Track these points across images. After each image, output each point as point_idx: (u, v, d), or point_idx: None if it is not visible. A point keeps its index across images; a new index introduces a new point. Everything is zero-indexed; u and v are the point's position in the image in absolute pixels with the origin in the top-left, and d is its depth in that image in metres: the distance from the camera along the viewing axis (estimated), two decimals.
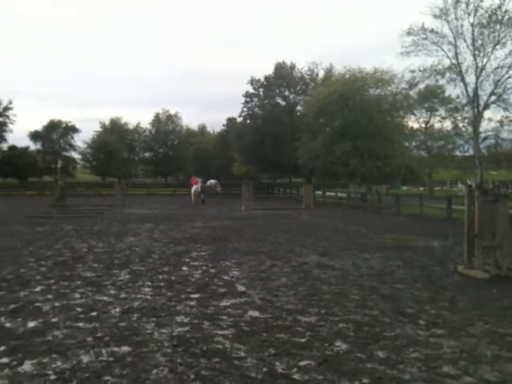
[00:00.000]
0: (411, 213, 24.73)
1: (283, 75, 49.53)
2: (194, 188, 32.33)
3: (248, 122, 52.14)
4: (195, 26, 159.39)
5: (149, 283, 7.96)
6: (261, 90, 50.92)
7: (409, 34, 35.79)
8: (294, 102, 50.36)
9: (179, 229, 16.56)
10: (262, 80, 50.56)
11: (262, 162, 49.48)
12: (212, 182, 42.71)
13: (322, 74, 48.17)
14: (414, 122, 47.78)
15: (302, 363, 4.48)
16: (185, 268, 9.36)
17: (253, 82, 50.88)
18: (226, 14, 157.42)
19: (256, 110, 51.77)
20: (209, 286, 7.73)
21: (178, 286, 7.77)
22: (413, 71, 37.43)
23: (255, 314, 6.16)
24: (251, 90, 51.21)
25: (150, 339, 5.12)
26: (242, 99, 51.55)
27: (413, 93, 42.32)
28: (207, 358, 4.58)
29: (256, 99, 51.42)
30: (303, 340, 5.14)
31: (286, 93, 50.65)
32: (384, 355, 4.72)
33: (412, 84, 39.58)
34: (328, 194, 39.01)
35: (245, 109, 51.96)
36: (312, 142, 37.45)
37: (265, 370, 4.33)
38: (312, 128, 39.24)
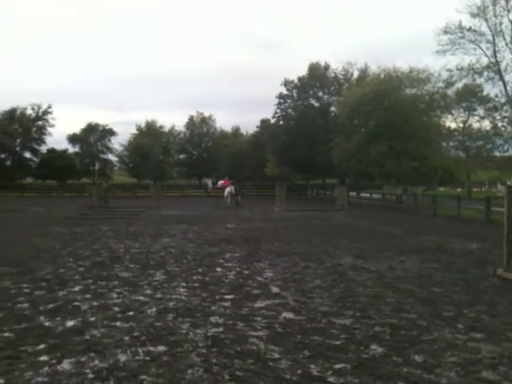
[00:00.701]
0: (449, 214, 24.16)
1: (317, 76, 49.31)
2: (227, 189, 32.17)
3: (281, 123, 52.16)
4: (229, 27, 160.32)
5: (184, 284, 8.04)
6: (294, 91, 50.87)
7: (445, 32, 34.94)
8: (327, 102, 50.08)
9: (213, 230, 16.68)
10: (296, 81, 50.50)
11: (295, 163, 49.39)
12: (222, 182, 43.10)
13: (356, 74, 47.81)
14: (451, 122, 46.65)
15: (336, 366, 4.44)
16: (219, 269, 9.42)
17: (286, 83, 50.89)
18: (259, 15, 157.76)
19: (289, 111, 51.75)
20: (243, 288, 7.75)
21: (213, 286, 7.82)
22: (450, 70, 36.54)
23: (289, 315, 6.14)
24: (285, 92, 51.25)
25: (185, 339, 5.18)
26: (276, 100, 51.62)
27: (450, 92, 41.34)
28: (241, 359, 4.59)
29: (289, 100, 51.39)
30: (338, 343, 5.09)
31: (320, 93, 50.42)
32: (421, 359, 4.62)
33: (449, 83, 38.64)
34: (362, 195, 38.53)
35: (278, 110, 52.03)
36: (346, 143, 37.12)
37: (299, 372, 4.31)
38: (346, 129, 38.90)
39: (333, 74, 49.68)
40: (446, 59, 41.97)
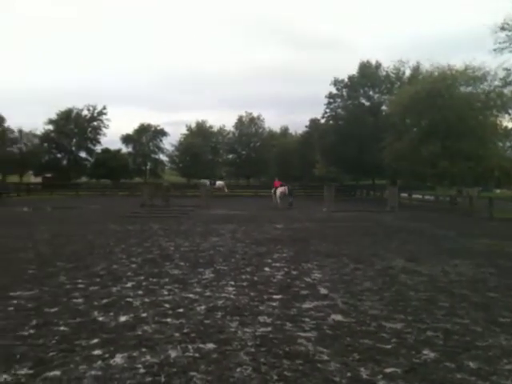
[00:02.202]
0: (506, 217, 23.17)
1: (367, 75, 48.59)
2: (280, 190, 30.77)
3: (331, 122, 51.73)
4: (278, 27, 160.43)
5: (232, 283, 8.11)
6: (344, 90, 50.36)
7: (503, 29, 33.40)
8: (378, 101, 49.26)
9: (261, 230, 16.72)
10: (346, 80, 49.95)
11: (345, 164, 48.85)
12: (220, 183, 42.86)
13: (408, 72, 46.71)
14: (508, 122, 44.73)
15: (387, 370, 4.35)
16: (267, 269, 9.44)
17: (336, 82, 50.46)
18: (310, 15, 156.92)
19: (339, 110, 51.24)
20: (291, 288, 7.73)
21: (261, 286, 7.84)
22: (507, 69, 34.94)
23: (338, 317, 6.07)
24: (334, 91, 50.78)
25: (234, 337, 5.22)
26: (325, 100, 51.23)
27: (507, 91, 39.60)
28: (290, 360, 4.58)
29: (339, 100, 50.91)
30: (389, 347, 4.98)
31: (371, 92, 49.66)
32: (475, 366, 4.46)
33: (506, 82, 36.99)
34: (414, 196, 37.56)
35: (328, 110, 51.68)
36: (397, 143, 36.31)
37: (349, 374, 4.25)
38: (398, 128, 38.06)
39: (384, 73, 48.83)
40: (503, 57, 40.04)
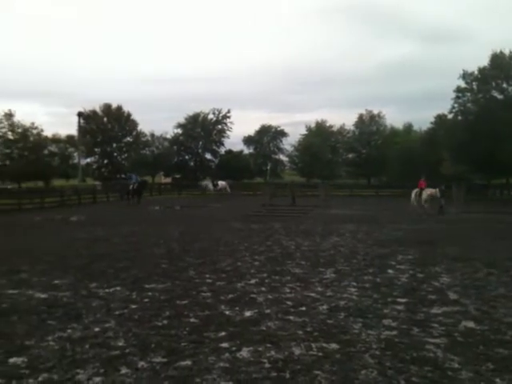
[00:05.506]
0: None
1: (501, 66, 44.77)
2: (428, 192, 25.31)
3: (459, 118, 48.59)
4: (398, 21, 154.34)
5: (354, 283, 8.00)
6: (474, 83, 46.93)
7: None
8: None
9: (382, 230, 16.24)
10: (476, 73, 46.54)
11: (475, 161, 45.48)
12: (222, 183, 40.84)
13: None
14: None
15: None
16: (390, 271, 9.16)
17: (465, 75, 47.21)
18: (429, 6, 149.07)
19: (468, 105, 47.90)
20: (417, 291, 7.43)
21: (384, 288, 7.63)
22: None
23: (470, 324, 5.73)
24: (463, 85, 47.56)
25: (358, 339, 5.15)
26: (453, 95, 48.22)
27: None
28: (418, 365, 4.42)
29: (468, 94, 47.58)
30: None
31: (504, 85, 45.70)
32: None
33: None
34: None
35: (455, 105, 48.54)
36: None
37: None
38: None
39: None
40: None
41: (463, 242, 13.43)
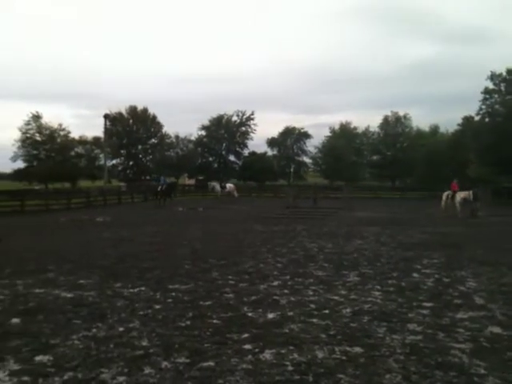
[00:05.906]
0: None
1: None
2: (462, 195, 24.57)
3: (487, 120, 47.69)
4: (424, 21, 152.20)
5: (378, 287, 7.91)
6: (502, 84, 46.04)
7: None
8: None
9: (407, 233, 16.02)
10: (504, 74, 45.65)
11: (503, 164, 44.55)
12: (231, 186, 40.29)
13: None
14: None
15: None
16: (415, 274, 9.03)
17: (493, 76, 46.37)
18: (456, 7, 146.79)
19: (496, 106, 46.99)
20: (442, 296, 7.31)
21: (409, 292, 7.53)
22: None
23: (496, 330, 5.61)
24: (491, 86, 46.70)
25: (382, 343, 5.09)
26: (480, 96, 47.37)
27: None
28: (443, 371, 4.35)
29: (496, 95, 46.68)
30: None
31: None
32: None
33: None
34: None
35: (483, 106, 47.67)
36: None
37: None
38: None
39: None
40: None
41: (490, 245, 13.16)
